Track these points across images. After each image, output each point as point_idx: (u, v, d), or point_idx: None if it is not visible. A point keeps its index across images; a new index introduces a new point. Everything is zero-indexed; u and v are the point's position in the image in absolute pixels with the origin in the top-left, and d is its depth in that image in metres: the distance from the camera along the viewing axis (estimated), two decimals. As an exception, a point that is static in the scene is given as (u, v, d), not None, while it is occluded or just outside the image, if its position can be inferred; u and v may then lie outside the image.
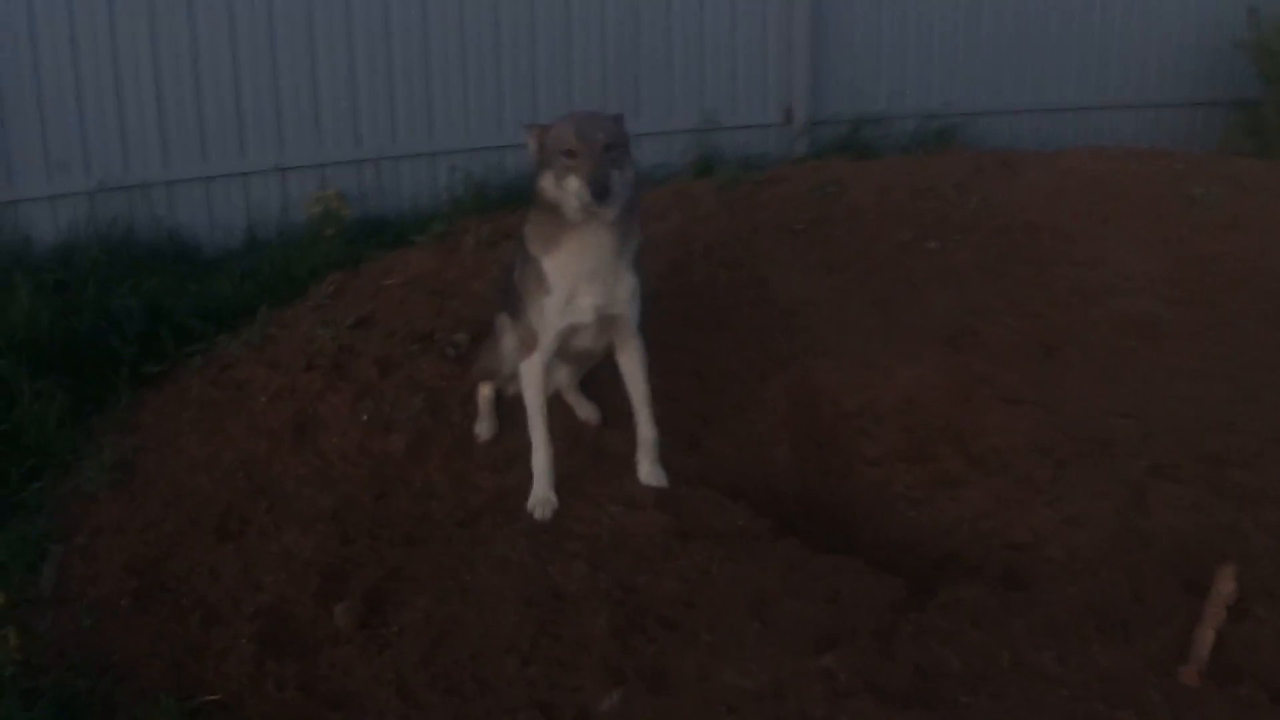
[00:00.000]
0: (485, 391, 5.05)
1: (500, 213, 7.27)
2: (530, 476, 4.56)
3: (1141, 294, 5.93)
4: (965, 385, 5.16)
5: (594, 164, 4.01)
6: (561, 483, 4.59)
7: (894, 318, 5.70)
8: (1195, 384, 5.27)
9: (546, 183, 4.19)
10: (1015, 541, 4.52)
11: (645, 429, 4.59)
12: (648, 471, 4.59)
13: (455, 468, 4.83)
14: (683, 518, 4.41)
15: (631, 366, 4.58)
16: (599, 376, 5.06)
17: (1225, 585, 4.12)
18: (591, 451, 4.87)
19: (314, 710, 3.89)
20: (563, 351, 4.58)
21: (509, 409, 5.02)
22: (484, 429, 4.99)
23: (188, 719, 3.93)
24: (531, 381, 4.49)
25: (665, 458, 4.70)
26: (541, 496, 4.49)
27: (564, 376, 5.01)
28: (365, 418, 5.14)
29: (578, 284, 4.30)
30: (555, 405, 4.91)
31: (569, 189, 4.08)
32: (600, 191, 3.97)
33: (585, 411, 5.07)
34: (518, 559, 4.29)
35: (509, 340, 4.75)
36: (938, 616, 3.98)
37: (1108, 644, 3.98)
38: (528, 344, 4.49)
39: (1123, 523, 4.49)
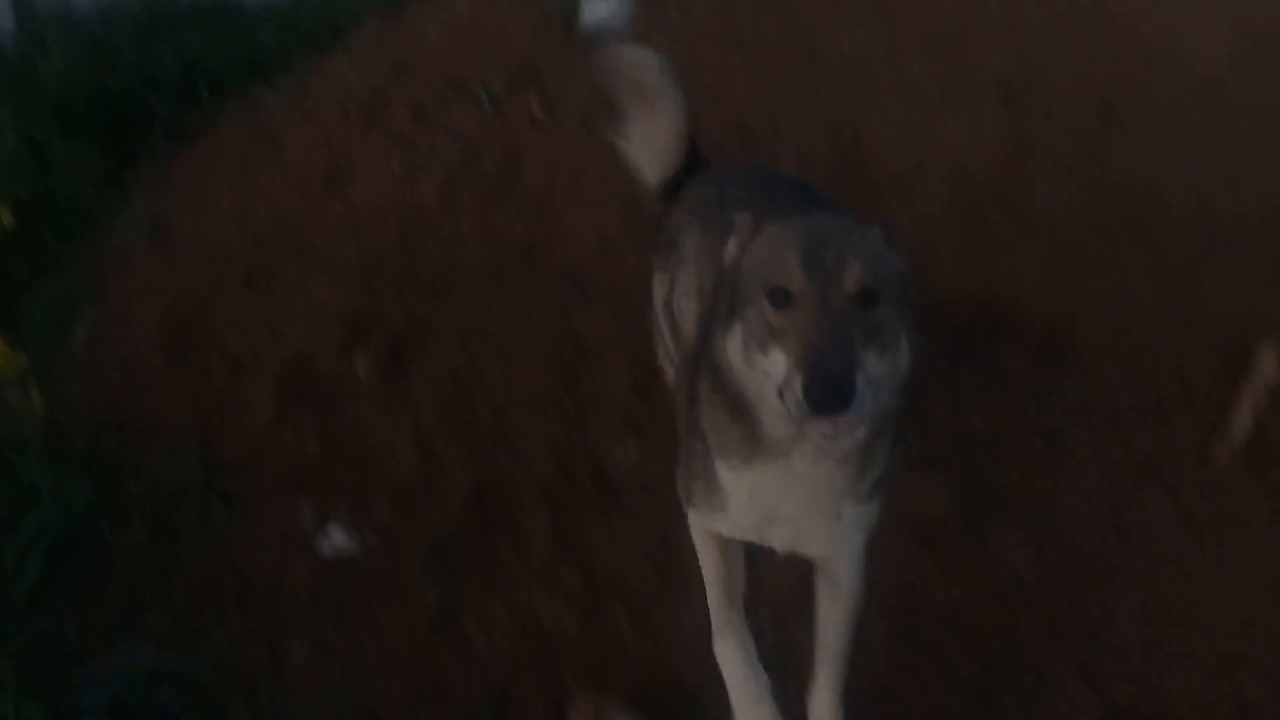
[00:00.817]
0: None
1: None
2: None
3: (1209, 61, 5.46)
4: (1018, 146, 4.84)
5: (827, 334, 2.01)
6: (594, 239, 4.38)
7: (947, 71, 5.31)
8: (1257, 156, 4.85)
9: (732, 346, 2.21)
10: (1057, 311, 4.27)
11: (825, 700, 2.81)
12: None
13: (486, 218, 4.65)
14: (709, 269, 4.21)
15: (832, 605, 2.80)
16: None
17: (1269, 367, 3.93)
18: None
19: (331, 462, 3.84)
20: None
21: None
22: None
23: (211, 471, 3.88)
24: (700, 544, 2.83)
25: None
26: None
27: None
28: (396, 166, 4.95)
29: (769, 511, 2.51)
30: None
31: (771, 373, 2.11)
32: (832, 398, 1.95)
33: None
34: (542, 312, 4.15)
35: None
36: (970, 381, 3.86)
37: (1143, 423, 3.84)
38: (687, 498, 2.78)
39: (1171, 299, 4.25)
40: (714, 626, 2.72)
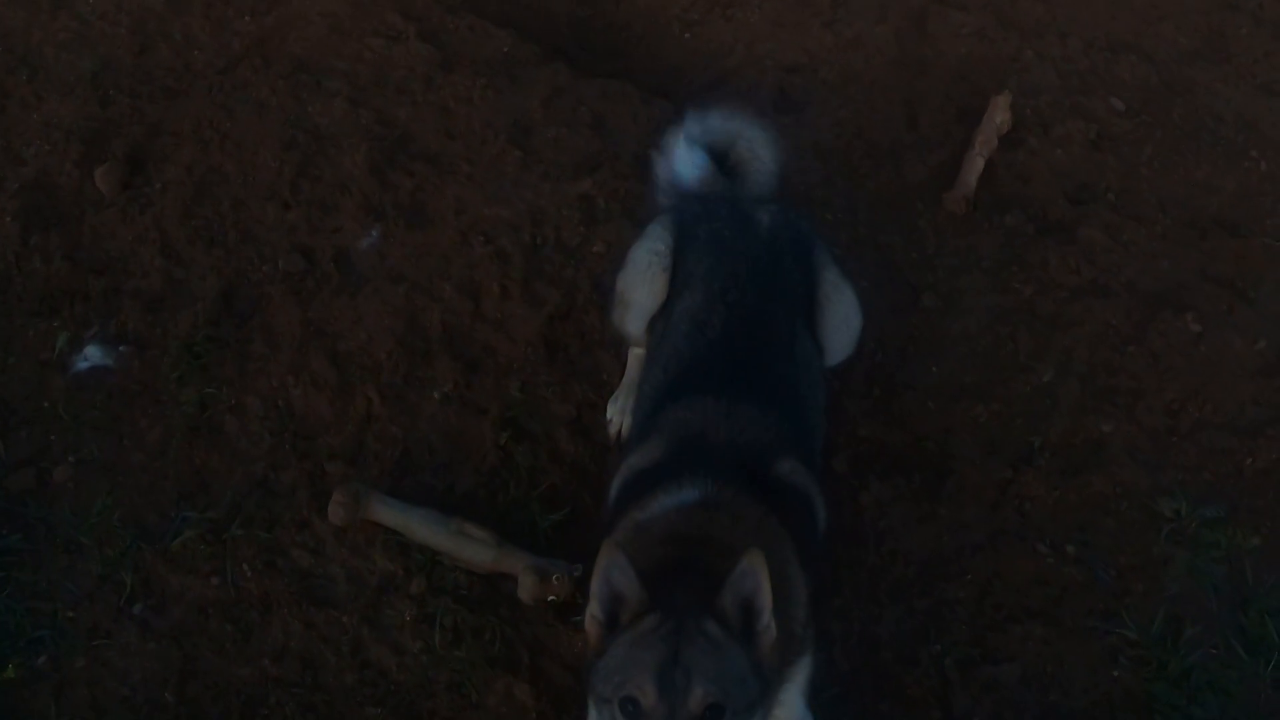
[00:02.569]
0: None
1: None
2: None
3: None
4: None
5: None
6: (324, 24, 4.28)
7: None
8: None
9: (591, 686, 2.35)
10: (790, 64, 4.37)
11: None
12: None
13: (216, 14, 4.50)
14: (446, 48, 4.19)
15: None
16: None
17: (999, 114, 4.08)
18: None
19: (80, 277, 3.78)
20: None
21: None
22: None
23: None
24: None
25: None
26: None
27: None
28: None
29: None
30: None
31: None
32: None
33: None
34: (277, 102, 4.09)
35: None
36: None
37: (877, 169, 3.99)
38: None
39: (902, 48, 4.37)
40: None
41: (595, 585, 2.29)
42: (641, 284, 3.09)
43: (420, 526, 3.09)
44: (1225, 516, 3.30)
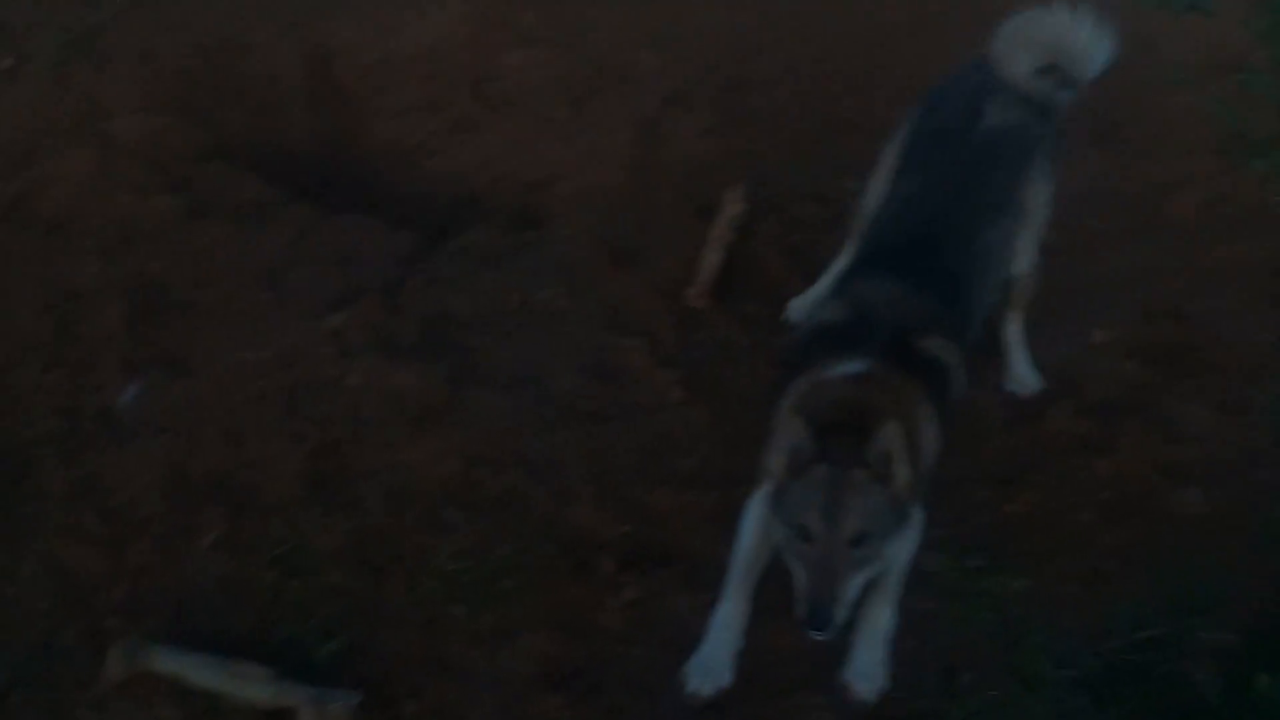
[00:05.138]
0: None
1: None
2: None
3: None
4: (485, 29, 5.11)
5: (826, 576, 2.92)
6: (75, 184, 4.39)
7: None
8: (724, 12, 5.30)
9: (776, 536, 3.11)
10: (531, 180, 4.61)
11: (880, 612, 3.26)
12: (867, 664, 3.25)
13: (-38, 177, 4.57)
14: (195, 198, 4.35)
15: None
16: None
17: (733, 207, 4.32)
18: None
19: None
20: None
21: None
22: None
23: None
24: (749, 518, 3.37)
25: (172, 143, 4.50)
26: (708, 663, 3.26)
27: None
28: None
29: None
30: None
31: (791, 567, 3.02)
32: (820, 624, 2.90)
33: None
34: (33, 265, 4.18)
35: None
36: (447, 264, 4.12)
37: (618, 274, 4.19)
38: (764, 472, 3.26)
39: (638, 154, 4.63)
40: (725, 588, 3.30)
41: (783, 441, 3.01)
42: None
43: (197, 672, 3.19)
44: (989, 564, 3.49)
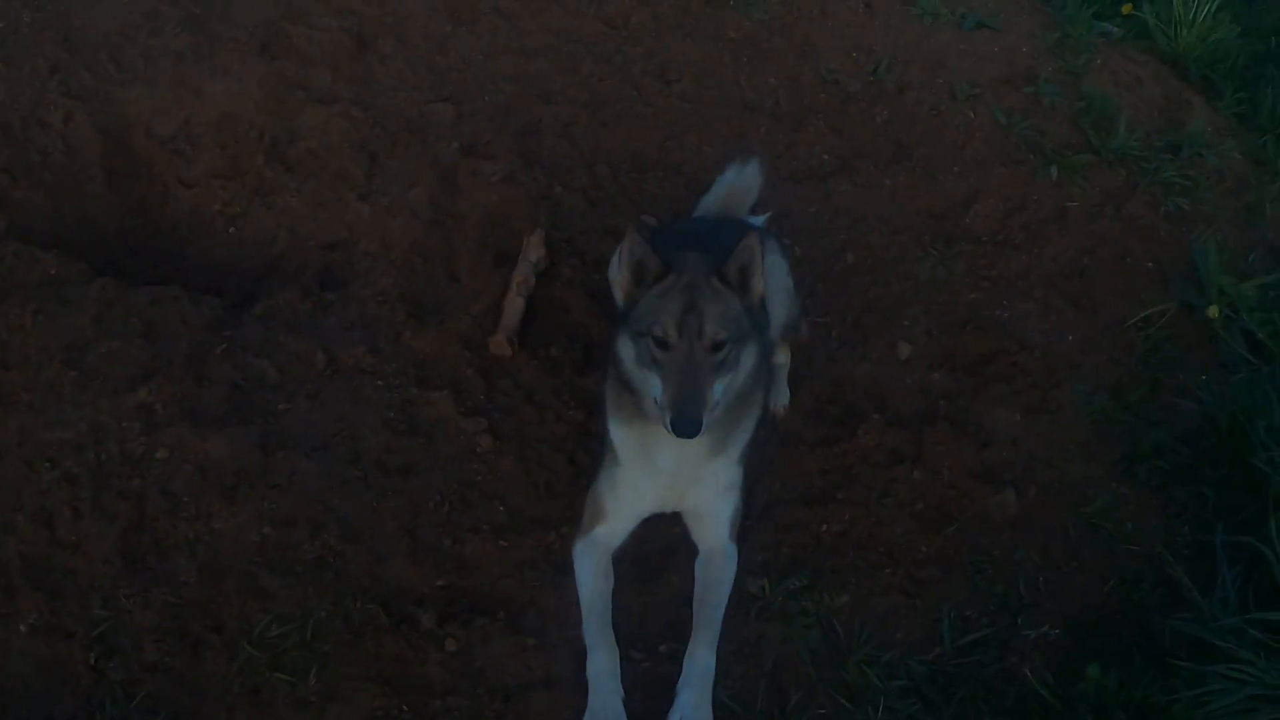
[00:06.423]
0: None
1: None
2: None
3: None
4: (279, 92, 5.15)
5: (689, 378, 3.16)
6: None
7: (206, 34, 5.43)
8: (514, 61, 5.45)
9: (625, 352, 3.35)
10: (331, 240, 4.68)
11: (702, 655, 3.40)
12: (693, 704, 3.31)
13: None
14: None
15: (710, 576, 3.60)
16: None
17: (533, 252, 4.44)
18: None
19: None
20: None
21: None
22: None
23: None
24: (585, 565, 3.58)
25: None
26: (604, 716, 3.30)
27: None
28: None
29: (652, 463, 3.51)
30: None
31: (650, 390, 3.26)
32: (689, 425, 3.10)
33: None
34: None
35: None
36: (252, 330, 4.17)
37: (421, 328, 4.28)
38: (590, 516, 3.64)
39: (436, 206, 4.72)
40: (588, 640, 3.41)
41: (623, 257, 3.30)
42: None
43: (22, 762, 3.22)
44: (810, 583, 3.64)
